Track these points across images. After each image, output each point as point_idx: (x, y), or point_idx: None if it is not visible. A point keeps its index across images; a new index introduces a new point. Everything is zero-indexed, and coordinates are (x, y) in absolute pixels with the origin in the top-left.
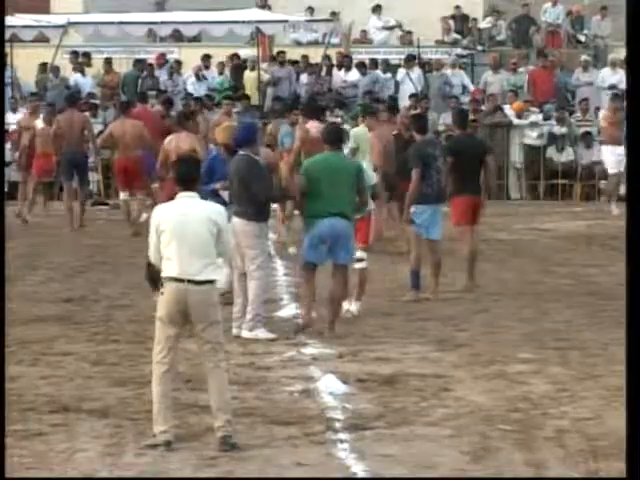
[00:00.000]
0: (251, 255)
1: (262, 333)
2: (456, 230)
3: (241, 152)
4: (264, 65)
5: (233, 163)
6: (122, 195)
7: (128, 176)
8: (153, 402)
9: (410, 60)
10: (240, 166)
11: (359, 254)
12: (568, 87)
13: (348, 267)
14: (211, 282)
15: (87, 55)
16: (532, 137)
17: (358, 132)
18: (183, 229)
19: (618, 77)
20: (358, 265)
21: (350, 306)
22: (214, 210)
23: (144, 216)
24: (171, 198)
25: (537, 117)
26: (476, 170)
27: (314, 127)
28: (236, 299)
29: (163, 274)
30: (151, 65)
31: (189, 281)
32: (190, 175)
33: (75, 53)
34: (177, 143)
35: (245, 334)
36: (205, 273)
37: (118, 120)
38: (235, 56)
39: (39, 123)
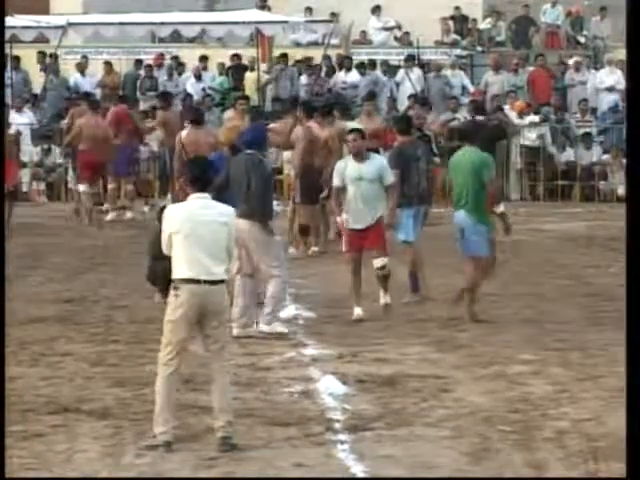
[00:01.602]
0: (270, 254)
1: (279, 327)
2: None
3: (248, 151)
4: (264, 66)
5: (238, 163)
6: (82, 187)
7: (93, 170)
8: (155, 403)
9: (409, 60)
10: (247, 165)
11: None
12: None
13: (481, 257)
14: (224, 282)
15: (55, 56)
16: (531, 138)
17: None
18: (199, 231)
19: (616, 77)
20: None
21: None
22: (227, 212)
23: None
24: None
25: (534, 118)
26: None
27: (314, 126)
28: (237, 299)
29: (176, 276)
30: (150, 66)
31: (205, 281)
32: (204, 176)
33: (42, 53)
34: (196, 137)
35: (264, 328)
36: (220, 273)
37: (85, 117)
38: (236, 57)
39: None
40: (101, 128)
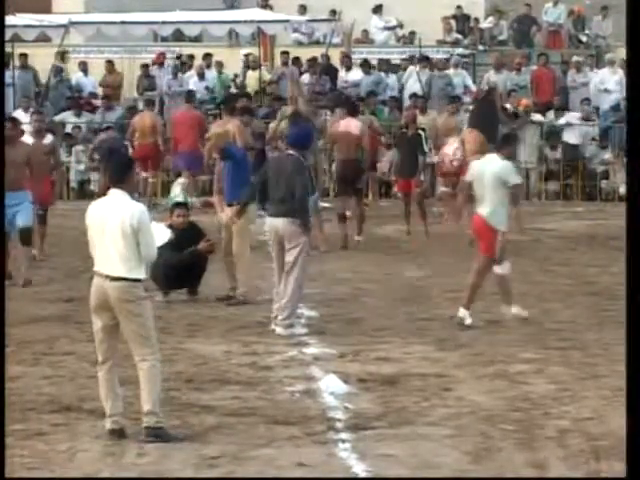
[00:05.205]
0: (294, 251)
1: (297, 329)
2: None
3: (289, 152)
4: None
5: (278, 162)
6: (143, 174)
7: (145, 160)
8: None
9: (422, 61)
10: (286, 166)
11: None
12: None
13: None
14: (127, 280)
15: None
16: (573, 137)
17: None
18: (101, 226)
19: (617, 77)
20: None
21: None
22: (131, 209)
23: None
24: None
25: (574, 116)
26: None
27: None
28: (276, 297)
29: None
30: (149, 64)
31: (106, 276)
32: (120, 171)
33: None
34: (224, 126)
35: (280, 331)
36: (121, 270)
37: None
38: (250, 55)
39: (27, 139)
40: (149, 121)
